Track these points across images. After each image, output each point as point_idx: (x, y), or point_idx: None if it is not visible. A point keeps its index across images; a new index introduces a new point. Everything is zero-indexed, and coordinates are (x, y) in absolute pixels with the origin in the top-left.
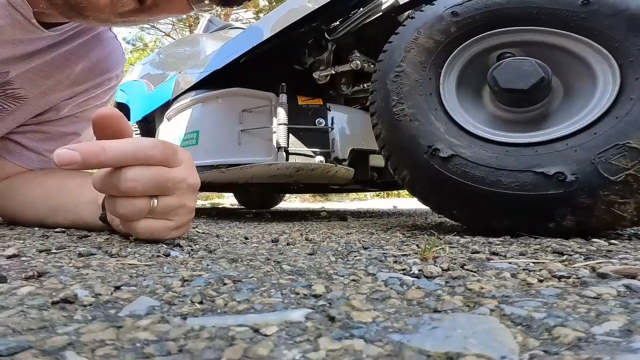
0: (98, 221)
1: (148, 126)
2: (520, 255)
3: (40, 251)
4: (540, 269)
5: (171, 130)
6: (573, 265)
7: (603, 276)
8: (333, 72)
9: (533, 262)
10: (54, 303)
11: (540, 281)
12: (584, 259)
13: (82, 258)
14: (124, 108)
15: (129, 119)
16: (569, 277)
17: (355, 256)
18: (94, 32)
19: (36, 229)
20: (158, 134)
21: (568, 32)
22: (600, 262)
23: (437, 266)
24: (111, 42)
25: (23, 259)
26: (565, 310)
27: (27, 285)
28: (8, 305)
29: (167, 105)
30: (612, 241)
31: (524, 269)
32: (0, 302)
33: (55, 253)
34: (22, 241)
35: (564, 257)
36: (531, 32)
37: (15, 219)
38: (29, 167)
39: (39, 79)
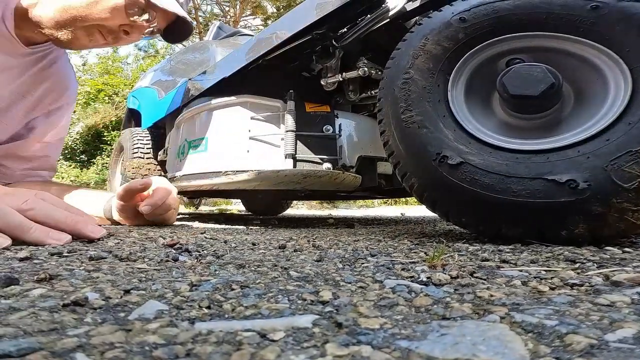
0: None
1: (158, 132)
2: (531, 263)
3: (52, 254)
4: (552, 277)
5: (181, 136)
6: (586, 273)
7: (616, 284)
8: (340, 79)
9: (544, 270)
10: (64, 305)
11: (552, 289)
12: (597, 267)
13: (92, 261)
14: (135, 114)
15: (139, 125)
16: (581, 285)
17: (363, 263)
18: (55, 54)
19: None
20: (168, 140)
21: (578, 38)
22: (613, 270)
23: (445, 274)
24: (66, 64)
25: (35, 261)
26: (578, 318)
27: (39, 288)
28: (20, 306)
29: (177, 111)
30: (626, 249)
31: (535, 277)
32: (12, 304)
33: (66, 256)
34: (34, 244)
35: (577, 265)
36: (540, 38)
37: None
38: (5, 181)
39: (6, 92)
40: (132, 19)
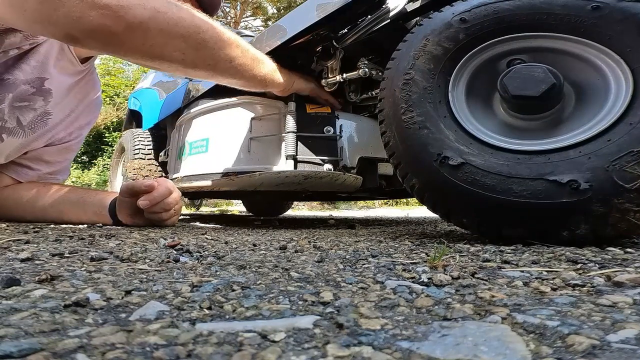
0: (95, 221)
1: (160, 133)
2: (532, 263)
3: (53, 255)
4: (554, 278)
5: (182, 137)
6: (588, 274)
7: (618, 285)
8: (341, 80)
9: (546, 271)
10: (66, 306)
11: (554, 290)
12: (599, 268)
13: (94, 262)
14: (136, 115)
15: (141, 126)
16: (583, 286)
17: (364, 264)
18: (93, 73)
19: (50, 233)
20: (169, 141)
21: (579, 38)
22: (615, 271)
23: (446, 274)
24: (95, 71)
25: (36, 262)
26: (580, 319)
27: (40, 288)
28: (21, 307)
29: (178, 112)
30: (628, 249)
31: (536, 278)
32: (13, 305)
33: (68, 257)
34: (35, 245)
35: (579, 266)
36: (541, 38)
37: (23, 219)
38: (22, 180)
39: (62, 109)
40: None
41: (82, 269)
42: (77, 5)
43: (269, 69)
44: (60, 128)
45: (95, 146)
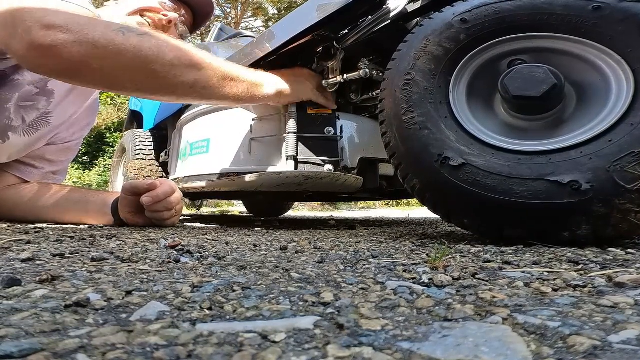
0: (96, 220)
1: (160, 134)
2: (533, 264)
3: (54, 255)
4: (555, 278)
5: (183, 138)
6: (589, 275)
7: (620, 285)
8: (342, 80)
9: (547, 272)
10: (67, 306)
11: (555, 290)
12: (600, 268)
13: (95, 263)
14: (137, 116)
15: (142, 126)
16: (584, 287)
17: (364, 265)
18: None
19: (51, 233)
20: (170, 142)
21: (580, 38)
22: (616, 272)
23: (447, 275)
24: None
25: (37, 262)
26: (581, 319)
27: (41, 289)
28: (22, 307)
29: (179, 113)
30: (629, 250)
31: (537, 278)
32: (14, 305)
33: (68, 257)
34: (36, 245)
35: (580, 267)
36: (542, 39)
37: (24, 220)
38: (27, 178)
39: (64, 109)
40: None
41: (83, 269)
42: (20, 44)
43: (245, 86)
44: (63, 128)
45: (97, 147)
